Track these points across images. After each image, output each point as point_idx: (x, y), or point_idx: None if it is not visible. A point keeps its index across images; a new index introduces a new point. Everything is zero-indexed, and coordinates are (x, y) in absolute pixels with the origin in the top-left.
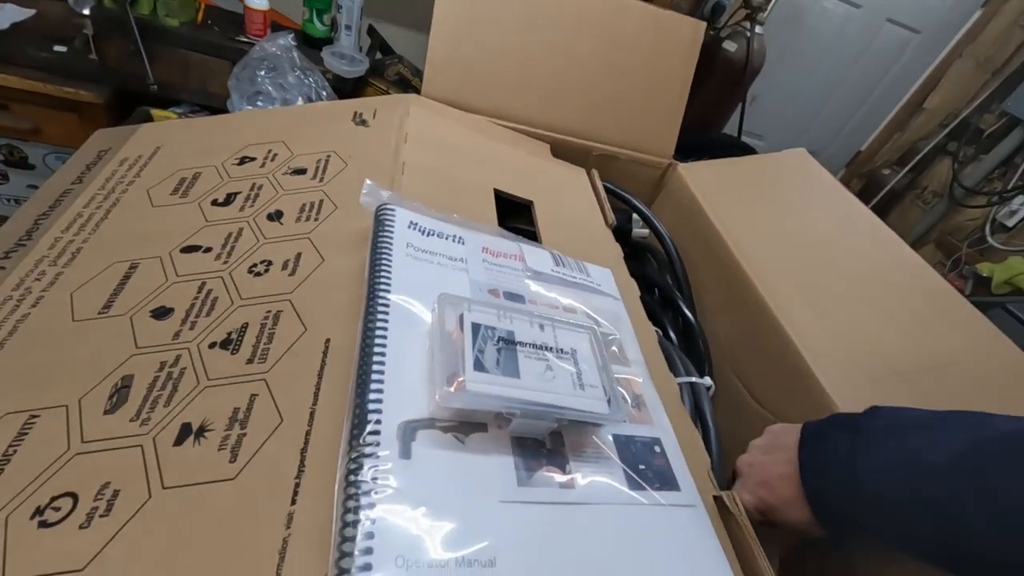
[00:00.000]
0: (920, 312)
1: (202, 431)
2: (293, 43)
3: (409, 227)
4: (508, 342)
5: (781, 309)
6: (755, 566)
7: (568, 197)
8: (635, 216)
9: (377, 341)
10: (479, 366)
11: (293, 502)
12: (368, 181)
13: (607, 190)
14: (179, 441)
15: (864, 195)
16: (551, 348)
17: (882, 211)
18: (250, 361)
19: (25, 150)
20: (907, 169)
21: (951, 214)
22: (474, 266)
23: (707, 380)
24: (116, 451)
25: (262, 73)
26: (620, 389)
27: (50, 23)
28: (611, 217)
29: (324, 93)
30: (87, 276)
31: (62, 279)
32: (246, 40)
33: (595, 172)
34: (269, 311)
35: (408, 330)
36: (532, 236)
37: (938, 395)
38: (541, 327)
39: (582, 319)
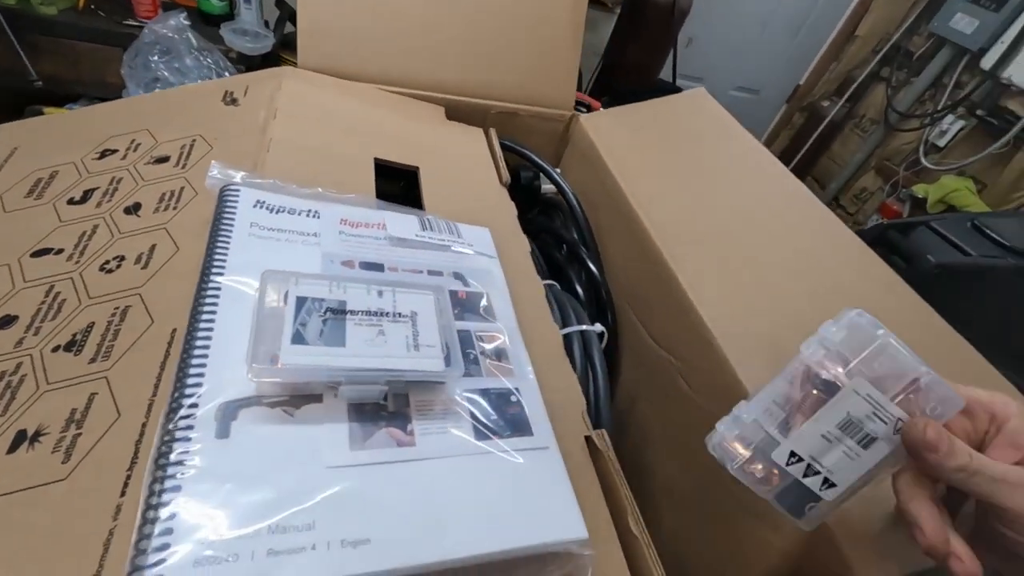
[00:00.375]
0: (804, 240)
1: (37, 436)
2: (187, 23)
3: (255, 206)
4: (337, 312)
5: (669, 249)
6: (619, 502)
7: (460, 159)
8: None
9: (202, 326)
10: (298, 339)
11: (123, 494)
12: (214, 162)
13: (507, 148)
14: (12, 449)
15: (806, 128)
16: (387, 313)
17: (824, 143)
18: (93, 360)
19: None
20: (845, 99)
21: (888, 139)
22: (328, 239)
23: (597, 327)
24: None
25: (155, 58)
26: (480, 345)
27: None
28: (505, 175)
29: (227, 74)
30: None
31: None
32: (136, 23)
33: (492, 131)
34: (117, 308)
35: (240, 312)
36: (419, 204)
37: (814, 319)
38: (380, 293)
39: (443, 280)
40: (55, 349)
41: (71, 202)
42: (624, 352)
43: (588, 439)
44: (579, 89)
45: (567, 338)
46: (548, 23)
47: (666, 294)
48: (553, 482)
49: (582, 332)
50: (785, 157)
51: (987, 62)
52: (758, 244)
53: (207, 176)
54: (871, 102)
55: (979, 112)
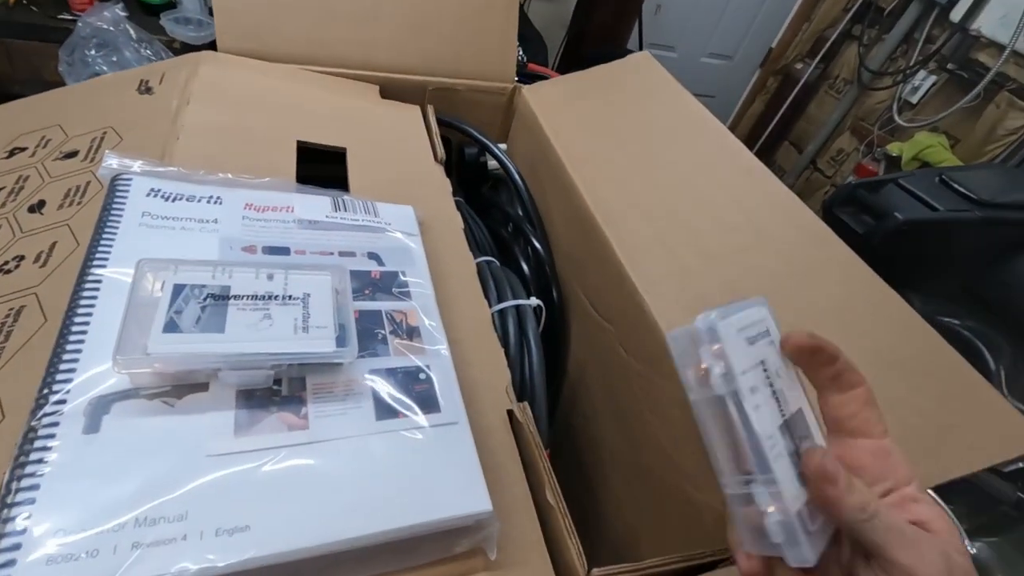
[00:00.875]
0: (737, 195)
1: None
2: (123, 14)
3: (149, 195)
4: (219, 297)
5: (605, 216)
6: (539, 475)
7: (392, 138)
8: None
9: (77, 319)
10: (171, 327)
11: None
12: (108, 152)
13: (449, 125)
14: None
15: (781, 92)
16: (275, 296)
17: (800, 106)
18: None
19: None
20: (818, 59)
21: (862, 99)
22: (229, 225)
23: (533, 301)
24: None
25: (92, 52)
26: (389, 324)
27: None
28: (441, 152)
29: None
30: None
31: None
32: (71, 17)
33: (430, 108)
34: (12, 308)
35: (120, 304)
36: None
37: (743, 276)
38: (270, 277)
39: (353, 261)
40: None
41: None
42: (572, 327)
43: (510, 412)
44: (545, 63)
45: (502, 313)
46: None
47: (602, 261)
48: (459, 456)
49: (517, 307)
50: (762, 122)
51: (956, 14)
52: (694, 208)
53: (101, 166)
54: (844, 61)
55: (950, 66)
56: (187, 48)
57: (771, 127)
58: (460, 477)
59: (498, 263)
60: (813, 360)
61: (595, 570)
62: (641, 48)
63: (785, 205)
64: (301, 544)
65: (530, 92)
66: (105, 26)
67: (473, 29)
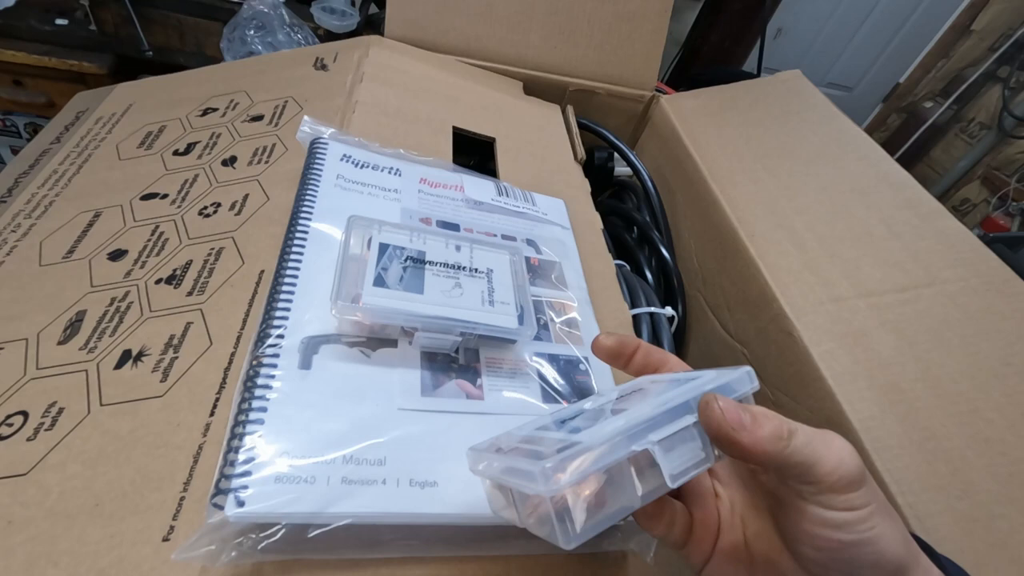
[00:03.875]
0: (899, 229)
1: (140, 356)
2: (281, 0)
3: (342, 160)
4: (417, 261)
5: (751, 235)
6: None
7: (536, 134)
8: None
9: (290, 264)
10: (380, 282)
11: (212, 414)
12: (306, 117)
13: (583, 127)
14: (119, 365)
15: (903, 131)
16: (464, 267)
17: (923, 148)
18: (190, 293)
19: (45, 125)
20: (952, 100)
21: (999, 147)
22: (408, 196)
23: (668, 310)
24: (64, 376)
25: (251, 32)
26: (550, 312)
27: None
28: (581, 152)
29: None
30: (56, 225)
31: (34, 229)
32: (235, 0)
33: (570, 108)
34: (212, 248)
35: (325, 254)
36: (495, 175)
37: (906, 315)
38: (458, 248)
39: (517, 245)
40: (158, 281)
41: (176, 153)
42: (692, 341)
43: None
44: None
45: (636, 319)
46: (634, 0)
47: (743, 281)
48: None
49: (651, 314)
50: None
51: None
52: (849, 238)
53: (299, 130)
54: (982, 105)
55: None
56: (330, 35)
57: None
58: None
59: (628, 268)
60: (622, 356)
61: None
62: (759, 72)
63: (960, 247)
64: (480, 511)
65: (669, 102)
66: (265, 9)
67: (622, 35)
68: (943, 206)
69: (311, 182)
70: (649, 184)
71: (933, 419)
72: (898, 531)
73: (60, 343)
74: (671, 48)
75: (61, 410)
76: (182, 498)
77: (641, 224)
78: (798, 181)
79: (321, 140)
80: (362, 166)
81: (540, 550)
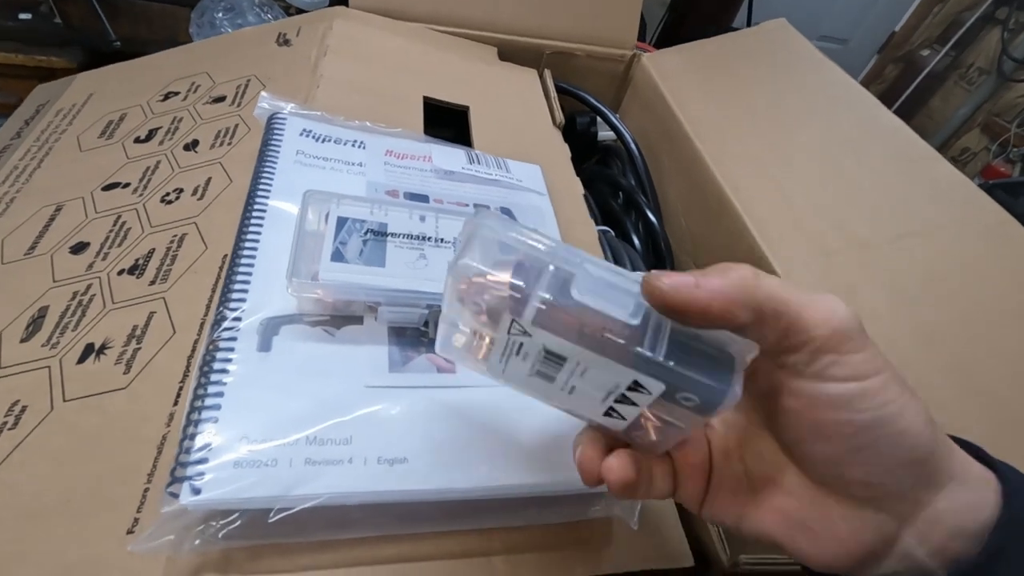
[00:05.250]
0: (892, 179)
1: (103, 349)
2: None
3: (302, 135)
4: (378, 234)
5: (739, 197)
6: None
7: (512, 100)
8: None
9: (247, 244)
10: (338, 257)
11: (175, 403)
12: (264, 93)
13: (563, 91)
14: (82, 359)
15: (901, 82)
16: (428, 238)
17: (922, 97)
18: (152, 283)
19: None
20: (949, 46)
21: (999, 92)
22: (373, 169)
23: None
24: (27, 373)
25: (219, 15)
26: None
27: None
28: (559, 117)
29: None
30: (18, 222)
31: None
32: None
33: (547, 72)
34: (175, 235)
35: (284, 233)
36: (469, 145)
37: (900, 264)
38: (422, 218)
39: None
40: (120, 272)
41: (137, 140)
42: None
43: None
44: (644, 39)
45: None
46: None
47: (732, 240)
48: None
49: None
50: None
51: None
52: (838, 187)
53: (256, 107)
54: (980, 49)
55: None
56: (302, 13)
57: None
58: None
59: (613, 233)
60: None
61: (743, 556)
62: (749, 26)
63: (954, 193)
64: (452, 485)
65: (650, 60)
66: None
67: None
68: (935, 151)
69: (268, 159)
70: (632, 146)
71: (925, 372)
72: (921, 409)
73: (23, 340)
74: (657, 10)
75: (24, 408)
76: (146, 490)
77: (626, 188)
78: (785, 134)
79: (279, 116)
80: (324, 140)
81: (521, 521)
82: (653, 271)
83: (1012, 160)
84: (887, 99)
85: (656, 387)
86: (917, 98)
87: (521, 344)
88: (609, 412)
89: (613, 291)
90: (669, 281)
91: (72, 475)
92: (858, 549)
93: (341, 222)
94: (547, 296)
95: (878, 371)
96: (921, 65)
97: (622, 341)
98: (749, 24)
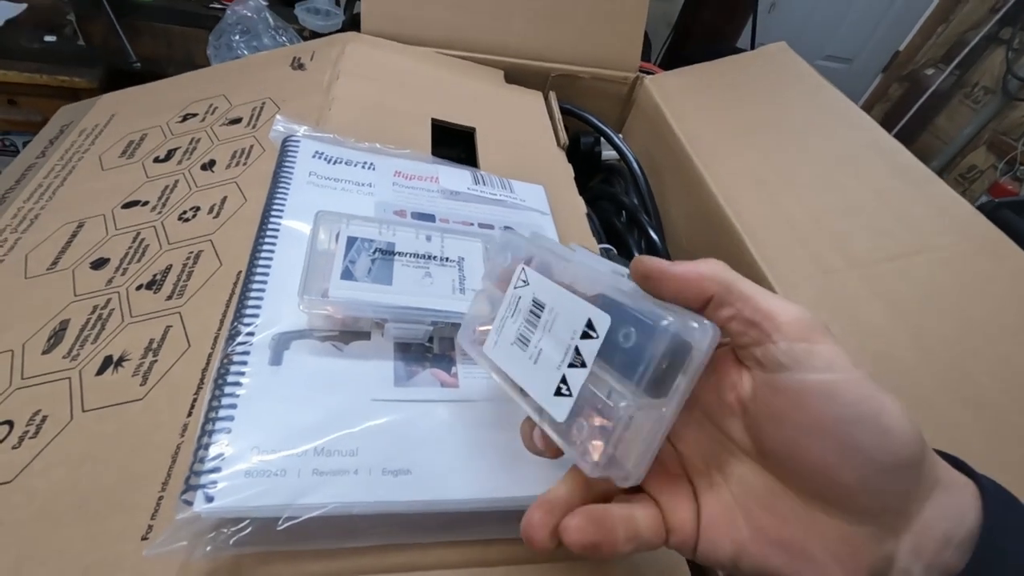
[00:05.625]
0: (890, 197)
1: (121, 361)
2: (265, 3)
3: (314, 157)
4: (386, 253)
5: (738, 215)
6: None
7: (517, 121)
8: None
9: (260, 262)
10: (347, 275)
11: (189, 414)
12: (279, 116)
13: (568, 112)
14: (101, 371)
15: (906, 101)
16: (434, 257)
17: (927, 116)
18: (169, 298)
19: None
20: (954, 65)
21: (1005, 111)
22: (382, 189)
23: None
24: (48, 384)
25: (236, 38)
26: None
27: (40, 14)
28: (563, 138)
29: None
30: (42, 238)
31: (20, 243)
32: (220, 6)
33: (552, 94)
34: (192, 252)
35: (296, 252)
36: (475, 165)
37: (897, 284)
38: (428, 238)
39: (493, 232)
40: (139, 287)
41: (156, 160)
42: None
43: None
44: (649, 60)
45: None
46: None
47: (733, 260)
48: None
49: None
50: None
51: None
52: (839, 210)
53: (272, 129)
54: (985, 68)
55: None
56: (315, 36)
57: None
58: None
59: (615, 251)
60: None
61: None
62: (752, 48)
63: (950, 211)
64: (456, 495)
65: (653, 82)
66: (249, 14)
67: (603, 16)
68: (933, 172)
69: (283, 180)
70: (635, 166)
71: (925, 386)
72: (903, 411)
73: (44, 352)
74: (663, 30)
75: (45, 417)
76: (160, 497)
77: (629, 207)
78: (785, 154)
79: (293, 138)
80: (335, 162)
81: (516, 534)
82: (636, 261)
83: (1019, 178)
84: (892, 118)
85: (603, 321)
86: (922, 117)
87: (519, 299)
88: (560, 385)
89: (602, 263)
90: (650, 258)
91: (89, 482)
92: (861, 573)
93: (351, 242)
94: (548, 255)
95: (851, 368)
96: (926, 84)
97: (594, 286)
98: (753, 44)
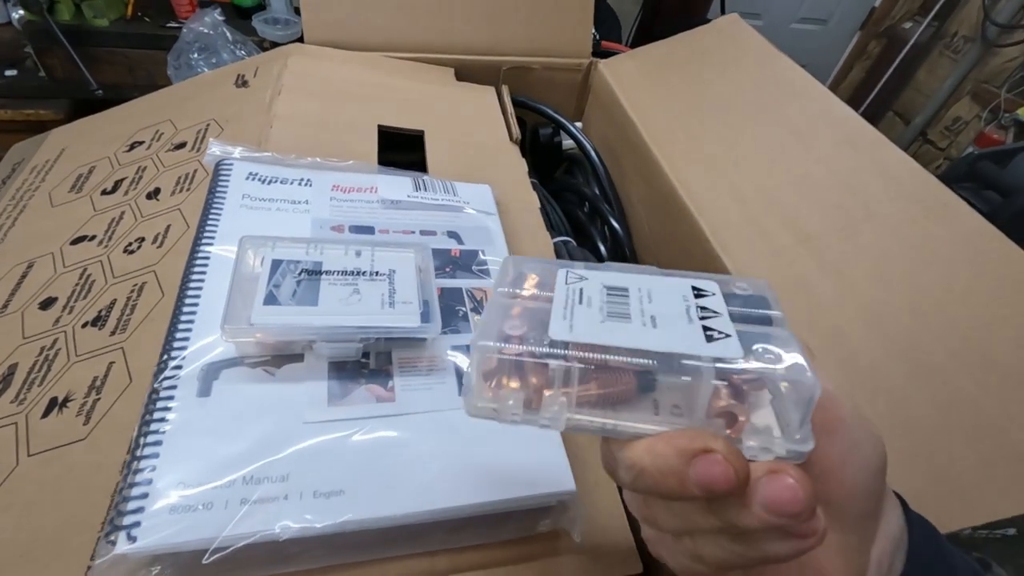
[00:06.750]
0: (839, 167)
1: (65, 402)
2: (221, 18)
3: (248, 178)
4: (312, 273)
5: (693, 199)
6: None
7: (468, 120)
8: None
9: (189, 293)
10: (271, 300)
11: (129, 451)
12: (212, 140)
13: (523, 105)
14: (46, 414)
15: (885, 56)
16: (363, 272)
17: (908, 71)
18: (113, 333)
19: None
20: (931, 16)
21: (986, 59)
22: (318, 206)
23: None
24: None
25: (195, 56)
26: (475, 301)
27: None
28: (516, 132)
29: None
30: None
31: None
32: (177, 24)
33: (505, 88)
34: (135, 284)
35: (227, 279)
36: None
37: (846, 255)
38: (358, 253)
39: (434, 239)
40: (84, 325)
41: (104, 192)
42: None
43: None
44: (620, 40)
45: None
46: None
47: (689, 243)
48: (541, 436)
49: None
50: (862, 91)
51: None
52: (790, 184)
53: (206, 153)
54: (963, 17)
55: None
56: (276, 47)
57: (873, 96)
58: (543, 456)
59: (575, 243)
60: None
61: None
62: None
63: (900, 177)
64: (392, 512)
65: (607, 67)
66: (206, 30)
67: (547, 4)
68: (884, 137)
69: (214, 206)
70: (593, 156)
71: (874, 358)
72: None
73: None
74: (632, 7)
75: None
76: (99, 539)
77: (590, 198)
78: (735, 131)
79: (226, 162)
80: (270, 182)
81: (465, 542)
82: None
83: (1004, 126)
84: (873, 75)
85: (712, 285)
86: (903, 72)
87: (581, 290)
88: (708, 332)
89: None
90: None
91: (34, 528)
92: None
93: (275, 265)
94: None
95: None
96: (904, 38)
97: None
98: (723, 9)
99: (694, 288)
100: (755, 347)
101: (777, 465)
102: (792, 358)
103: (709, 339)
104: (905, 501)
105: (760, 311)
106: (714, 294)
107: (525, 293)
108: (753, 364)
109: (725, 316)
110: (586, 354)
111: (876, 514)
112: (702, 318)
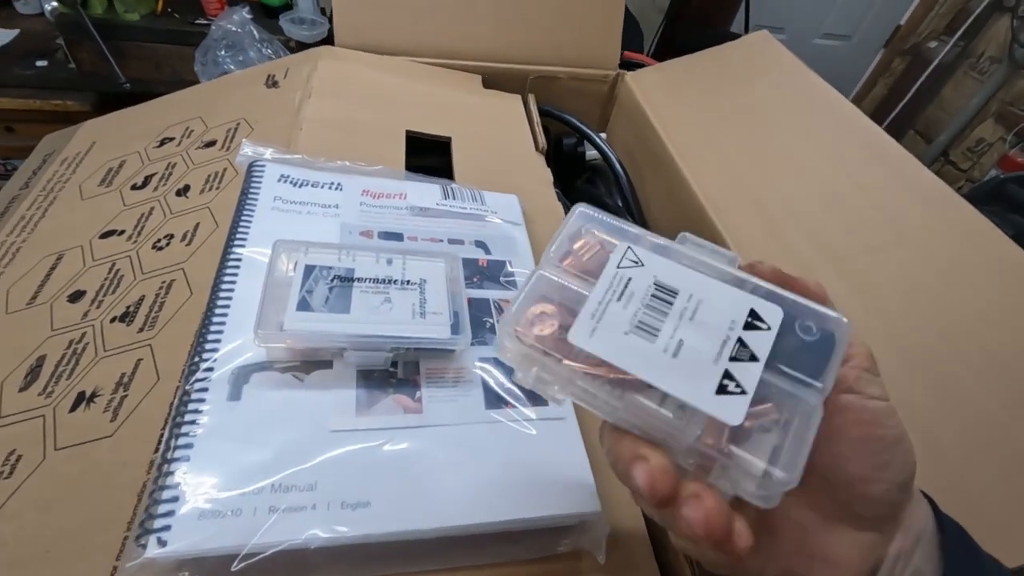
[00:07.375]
0: (868, 185)
1: (93, 397)
2: (249, 16)
3: (280, 180)
4: (345, 279)
5: (718, 213)
6: None
7: (494, 127)
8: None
9: (221, 295)
10: (304, 306)
11: (156, 449)
12: (245, 140)
13: (548, 114)
14: (73, 408)
15: (909, 75)
16: (395, 281)
17: (932, 90)
18: (141, 330)
19: None
20: (958, 36)
21: (1012, 80)
22: (348, 211)
23: None
24: (24, 423)
25: (222, 53)
26: (498, 315)
27: (31, 40)
28: (542, 141)
29: None
30: (22, 272)
31: (2, 278)
32: (206, 22)
33: (531, 97)
34: (164, 281)
35: (258, 281)
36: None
37: (875, 277)
38: (389, 261)
39: (462, 249)
40: (112, 320)
41: (134, 187)
42: None
43: None
44: (642, 51)
45: None
46: None
47: None
48: (568, 453)
49: None
50: (884, 109)
51: None
52: (817, 201)
53: (239, 154)
54: (991, 38)
55: None
56: (302, 46)
57: (895, 114)
58: (568, 474)
59: None
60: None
61: None
62: (747, 31)
63: (931, 197)
64: (416, 526)
65: (634, 79)
66: (233, 28)
67: (576, 15)
68: (914, 158)
69: (247, 208)
70: (617, 166)
71: (903, 385)
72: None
73: (21, 390)
74: (655, 17)
75: (19, 458)
76: (125, 538)
77: (612, 209)
78: (762, 147)
79: (258, 163)
80: (301, 185)
81: (488, 559)
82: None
83: None
84: (896, 93)
85: (775, 314)
86: (927, 90)
87: (629, 280)
88: (724, 382)
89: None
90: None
91: (57, 524)
92: (862, 572)
93: (308, 270)
94: (660, 241)
95: (889, 396)
96: (929, 57)
97: (731, 269)
98: (747, 26)
99: (752, 313)
100: (758, 420)
101: (700, 490)
102: (772, 456)
103: (720, 390)
104: (934, 502)
105: (810, 363)
106: (768, 328)
107: (576, 259)
108: (730, 448)
109: (759, 364)
110: (594, 367)
111: (897, 517)
112: (732, 359)
